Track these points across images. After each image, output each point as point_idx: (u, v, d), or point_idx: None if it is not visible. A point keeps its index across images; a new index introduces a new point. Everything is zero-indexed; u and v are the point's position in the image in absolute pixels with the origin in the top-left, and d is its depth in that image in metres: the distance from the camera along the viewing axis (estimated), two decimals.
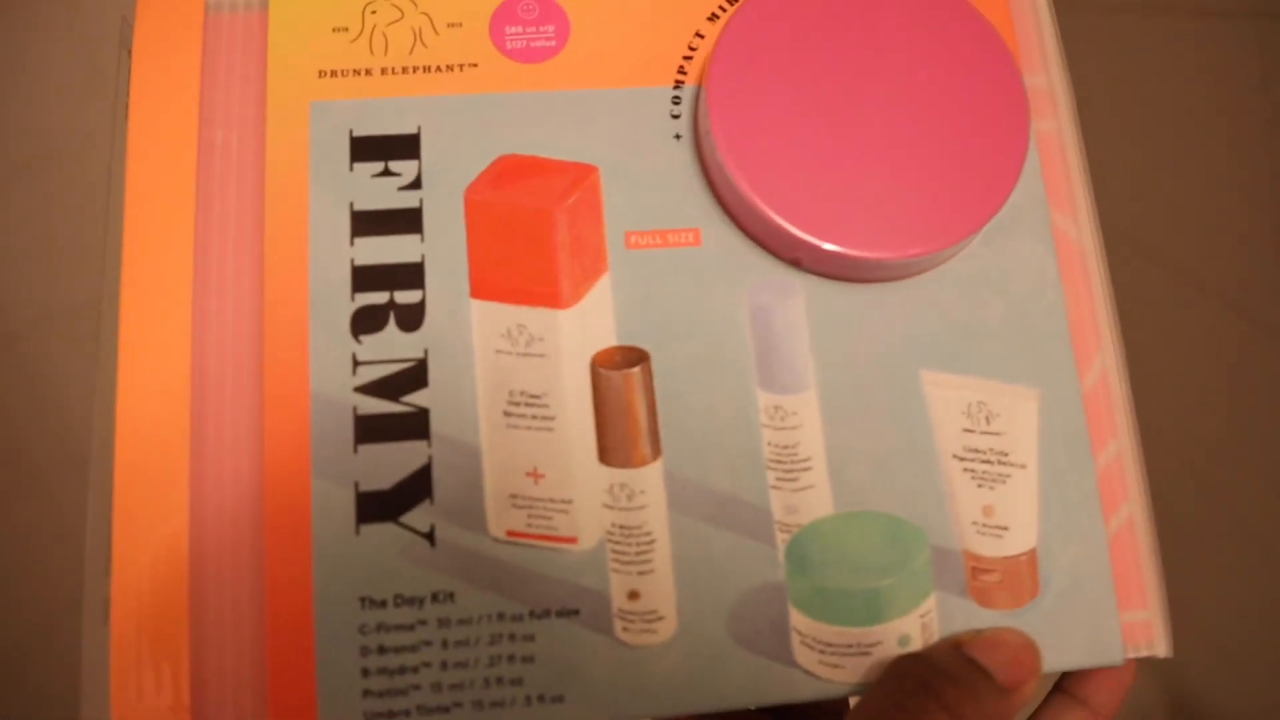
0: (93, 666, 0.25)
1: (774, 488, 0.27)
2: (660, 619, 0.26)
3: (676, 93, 0.29)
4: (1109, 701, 0.29)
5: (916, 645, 0.27)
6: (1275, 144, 0.44)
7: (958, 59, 0.29)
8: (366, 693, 0.25)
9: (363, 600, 0.25)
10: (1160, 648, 0.28)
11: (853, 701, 0.27)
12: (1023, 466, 0.28)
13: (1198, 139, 0.50)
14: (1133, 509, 0.28)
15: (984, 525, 0.27)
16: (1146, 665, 0.61)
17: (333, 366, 0.27)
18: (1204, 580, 0.55)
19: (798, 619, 0.26)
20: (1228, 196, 0.46)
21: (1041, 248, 0.29)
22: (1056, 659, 0.27)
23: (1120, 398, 0.29)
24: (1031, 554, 0.27)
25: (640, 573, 0.26)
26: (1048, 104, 0.30)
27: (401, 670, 0.25)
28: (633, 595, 0.26)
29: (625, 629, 0.26)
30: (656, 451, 0.27)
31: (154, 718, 0.24)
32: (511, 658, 0.26)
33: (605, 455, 0.27)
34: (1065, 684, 0.29)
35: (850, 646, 0.26)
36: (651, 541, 0.26)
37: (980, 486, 0.28)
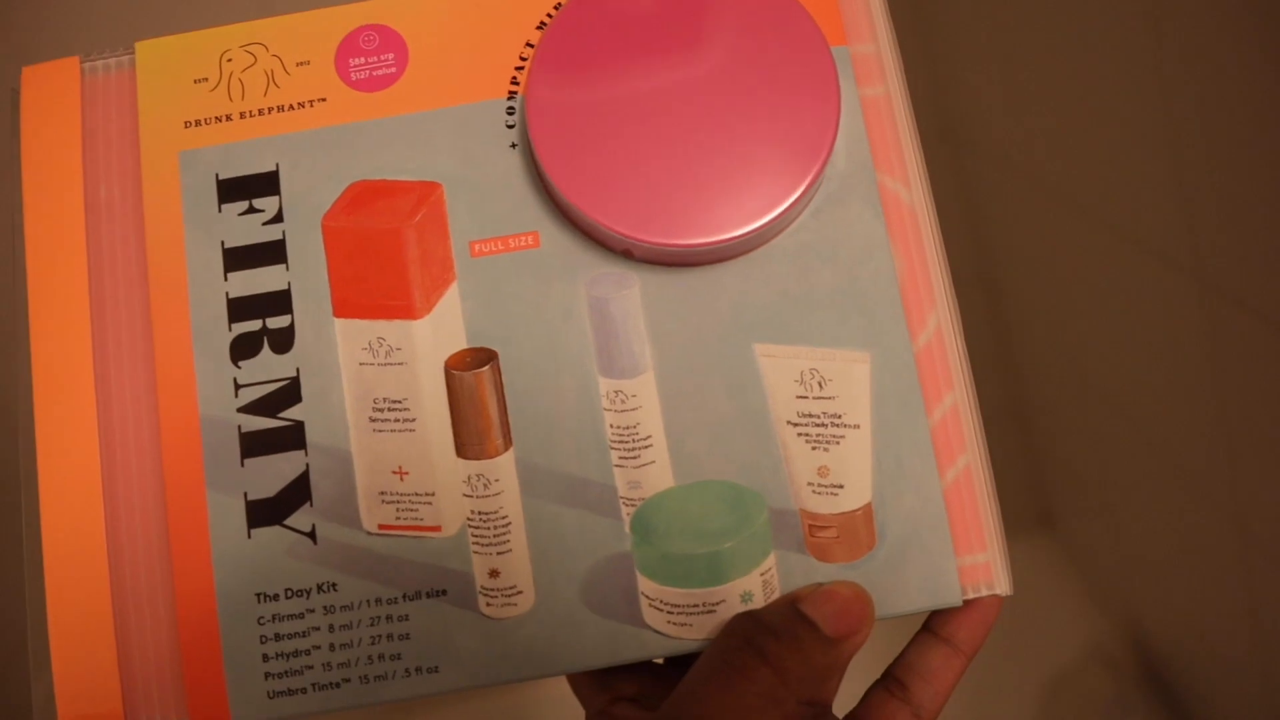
0: (39, 668, 0.29)
1: (618, 466, 0.29)
2: (519, 593, 0.29)
3: (510, 103, 0.31)
4: (970, 638, 0.30)
5: (759, 601, 0.29)
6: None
7: (765, 43, 0.30)
8: (268, 674, 0.29)
9: (258, 595, 0.29)
10: (1001, 586, 0.29)
11: None
12: (856, 427, 0.29)
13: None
14: (970, 458, 0.30)
15: (819, 485, 0.29)
16: (1113, 616, 0.62)
17: (217, 391, 0.30)
18: (1160, 528, 0.55)
19: (645, 584, 0.29)
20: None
21: (869, 213, 0.30)
22: (896, 604, 0.29)
23: (955, 353, 0.30)
24: (867, 508, 0.29)
25: (499, 553, 0.29)
26: (875, 69, 0.31)
27: (296, 653, 0.29)
28: (493, 574, 0.29)
29: (488, 604, 0.29)
30: (508, 442, 0.29)
31: (90, 704, 0.29)
32: (390, 636, 0.29)
33: (462, 450, 0.30)
34: (930, 624, 0.31)
35: (696, 606, 0.29)
36: (508, 524, 0.29)
37: (815, 449, 0.29)
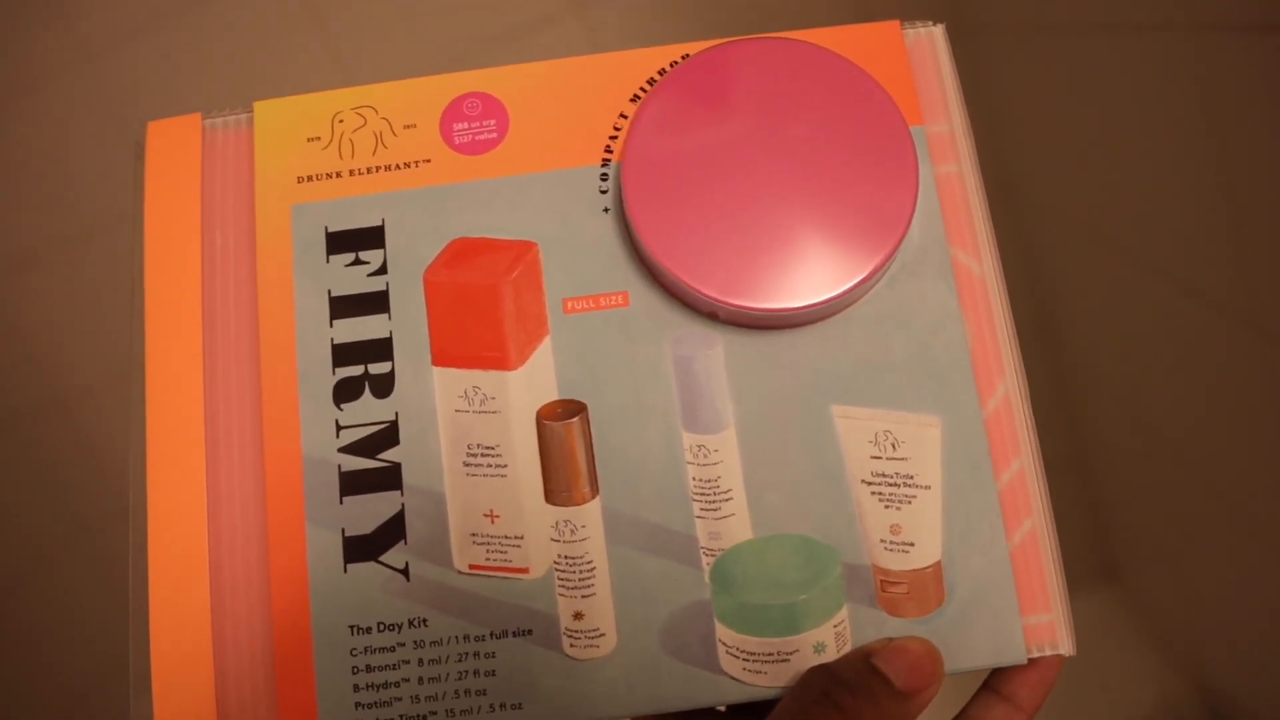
0: (139, 691, 0.30)
1: (699, 517, 0.31)
2: (602, 635, 0.30)
3: (604, 170, 0.33)
4: (1031, 697, 0.31)
5: (831, 652, 0.30)
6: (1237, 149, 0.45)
7: (849, 122, 0.32)
8: (358, 704, 0.30)
9: (352, 628, 0.30)
10: (1064, 646, 0.30)
11: None
12: (927, 488, 0.31)
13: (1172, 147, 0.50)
14: (1036, 521, 0.31)
15: (891, 542, 0.31)
16: (1180, 670, 0.62)
17: (320, 431, 0.31)
18: (1228, 580, 0.56)
19: (722, 632, 0.30)
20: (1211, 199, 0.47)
21: (943, 285, 0.32)
22: (962, 660, 0.30)
23: (1023, 420, 0.31)
24: (936, 566, 0.30)
25: (584, 596, 0.30)
26: (949, 148, 0.33)
27: (386, 685, 0.30)
28: (578, 616, 0.30)
29: (572, 645, 0.30)
30: (595, 490, 0.31)
31: None
32: (476, 672, 0.30)
33: (551, 496, 0.31)
34: (991, 682, 0.32)
35: (771, 655, 0.30)
36: (593, 569, 0.31)
37: (887, 507, 0.31)
